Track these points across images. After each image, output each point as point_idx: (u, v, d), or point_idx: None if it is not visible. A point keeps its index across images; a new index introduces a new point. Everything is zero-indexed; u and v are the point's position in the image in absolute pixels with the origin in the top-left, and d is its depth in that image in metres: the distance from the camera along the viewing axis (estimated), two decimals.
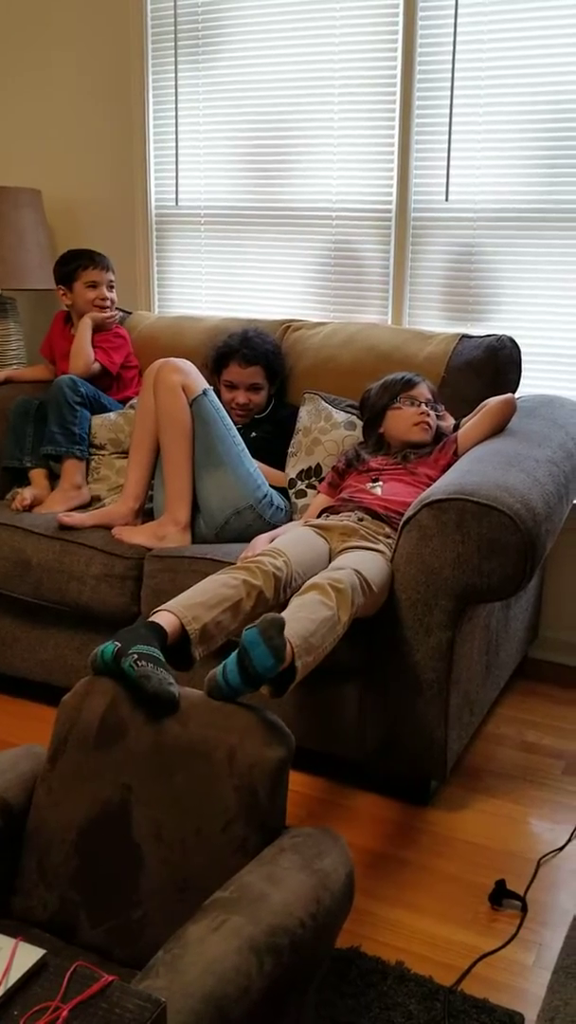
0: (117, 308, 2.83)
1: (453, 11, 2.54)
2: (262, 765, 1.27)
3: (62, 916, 1.32)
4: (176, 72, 2.98)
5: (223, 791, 1.28)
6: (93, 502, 2.51)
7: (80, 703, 1.41)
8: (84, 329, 2.66)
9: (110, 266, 2.76)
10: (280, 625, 1.45)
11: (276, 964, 1.03)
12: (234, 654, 1.42)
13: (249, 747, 1.28)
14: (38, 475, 2.57)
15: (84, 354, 2.64)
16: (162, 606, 1.64)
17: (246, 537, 2.26)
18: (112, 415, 2.59)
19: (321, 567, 1.92)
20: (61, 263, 2.73)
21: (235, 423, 2.47)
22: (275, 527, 2.28)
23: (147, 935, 1.27)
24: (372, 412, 2.30)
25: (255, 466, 2.33)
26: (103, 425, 2.56)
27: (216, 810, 1.28)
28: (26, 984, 0.87)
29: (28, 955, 0.88)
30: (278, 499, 2.35)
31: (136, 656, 1.39)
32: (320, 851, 1.21)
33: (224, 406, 2.44)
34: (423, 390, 2.29)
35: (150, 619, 1.59)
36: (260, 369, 2.53)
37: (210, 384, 2.37)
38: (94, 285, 2.70)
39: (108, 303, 2.73)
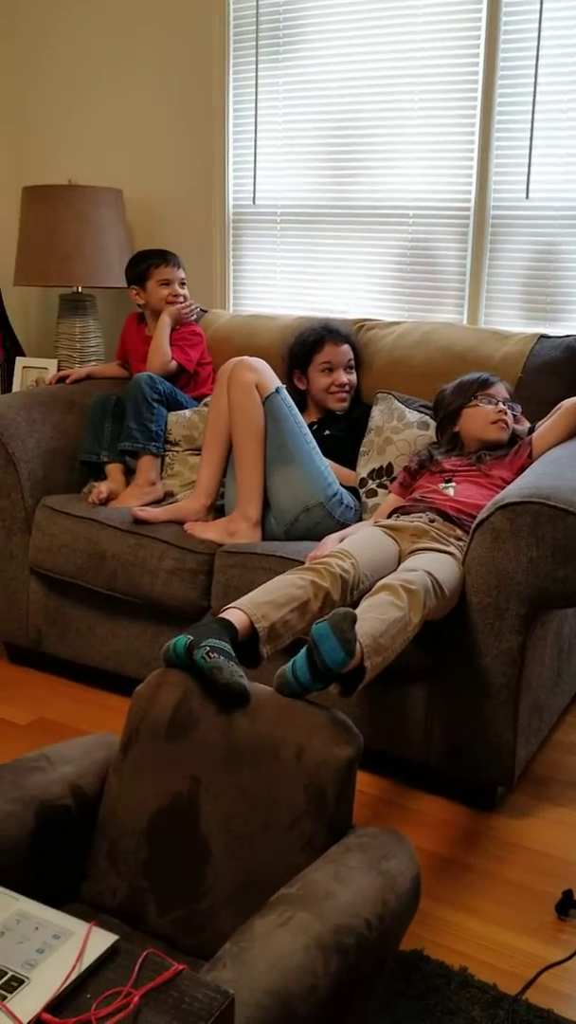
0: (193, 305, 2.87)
1: (539, 4, 2.50)
2: (330, 764, 1.28)
3: (131, 903, 1.35)
4: (256, 71, 3.00)
5: (291, 788, 1.29)
6: (166, 497, 2.55)
7: (153, 694, 1.43)
8: (163, 328, 2.71)
9: (181, 264, 2.81)
10: (352, 619, 1.45)
11: (342, 964, 1.04)
12: (303, 650, 1.43)
13: (318, 745, 1.29)
14: (114, 470, 2.62)
15: (162, 352, 2.68)
16: (231, 604, 1.66)
17: (315, 534, 2.27)
18: (187, 412, 2.62)
19: (390, 569, 1.92)
20: (133, 264, 2.80)
21: (338, 408, 2.54)
22: (345, 526, 2.29)
23: (213, 926, 1.29)
24: (448, 411, 2.28)
25: (326, 464, 2.34)
26: (178, 422, 2.60)
27: (284, 807, 1.29)
28: (98, 969, 0.89)
29: (101, 940, 0.90)
30: (348, 498, 2.35)
31: (208, 648, 1.41)
32: (387, 852, 1.21)
33: (322, 392, 2.51)
34: (500, 389, 2.27)
35: (220, 615, 1.61)
36: (351, 348, 2.57)
37: (284, 383, 2.39)
38: (167, 283, 2.76)
39: (181, 299, 2.78)
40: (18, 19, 3.47)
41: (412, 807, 2.01)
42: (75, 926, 0.93)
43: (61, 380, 2.86)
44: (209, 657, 1.39)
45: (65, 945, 0.90)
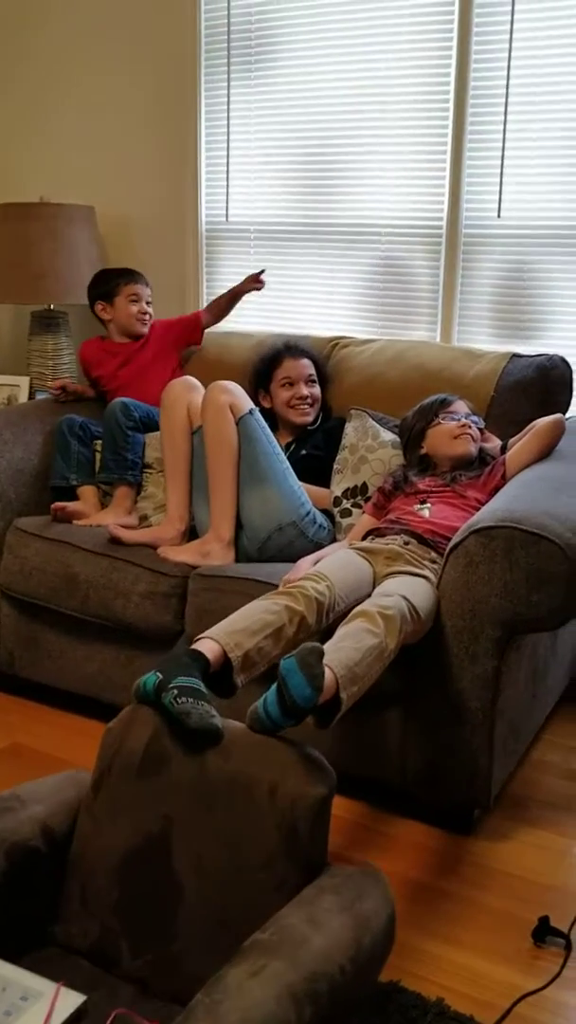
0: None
1: (509, 25, 2.51)
2: (304, 803, 1.27)
3: (103, 945, 1.33)
4: (228, 89, 2.99)
5: (264, 827, 1.27)
6: (140, 523, 2.53)
7: (124, 731, 1.42)
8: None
9: (148, 283, 2.86)
10: (319, 653, 1.44)
11: (315, 1012, 1.02)
12: (274, 686, 1.41)
13: (291, 784, 1.28)
14: (87, 492, 2.60)
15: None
16: (204, 633, 1.64)
17: (288, 553, 2.26)
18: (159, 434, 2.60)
19: (365, 591, 1.91)
20: (100, 281, 2.83)
21: (301, 422, 2.55)
22: (318, 544, 2.28)
23: (186, 968, 1.27)
24: (412, 433, 2.29)
25: (299, 484, 2.34)
26: (150, 444, 2.58)
27: (257, 846, 1.27)
28: None
29: (70, 1000, 0.89)
30: (321, 517, 2.35)
31: (176, 691, 1.39)
32: (361, 893, 1.20)
33: (284, 407, 2.54)
34: (461, 405, 2.29)
35: (192, 647, 1.59)
36: (311, 363, 2.59)
37: (255, 404, 2.39)
38: (135, 299, 2.78)
39: (148, 317, 2.82)
40: None
41: (388, 831, 2.01)
42: (43, 986, 0.91)
43: (62, 388, 2.84)
44: (177, 702, 1.37)
45: (33, 1007, 0.88)
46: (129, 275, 2.82)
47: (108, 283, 2.81)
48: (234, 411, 2.30)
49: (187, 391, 2.42)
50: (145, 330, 2.82)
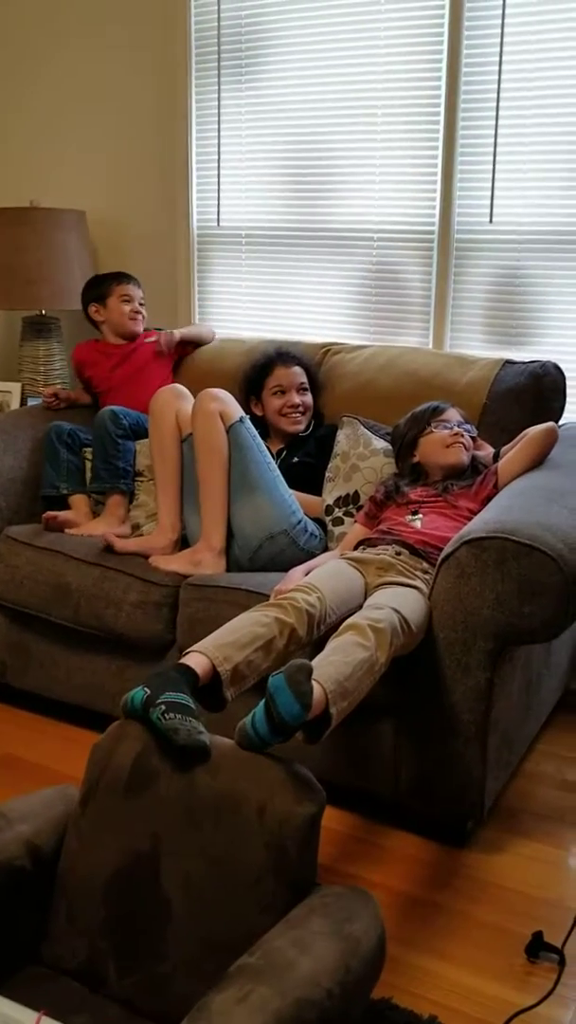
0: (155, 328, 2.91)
1: (499, 29, 2.50)
2: (293, 822, 1.25)
3: (91, 965, 1.31)
4: (219, 93, 2.98)
5: (253, 846, 1.26)
6: (133, 531, 2.52)
7: (112, 748, 1.40)
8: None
9: (140, 285, 2.88)
10: (307, 671, 1.43)
11: None
12: (262, 703, 1.40)
13: (279, 803, 1.27)
14: (78, 501, 2.57)
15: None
16: (193, 647, 1.63)
17: (279, 562, 2.25)
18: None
19: (356, 602, 1.90)
20: (93, 285, 2.86)
21: (293, 430, 2.54)
22: (309, 553, 2.27)
23: (174, 989, 1.26)
24: (404, 441, 2.28)
25: (290, 493, 2.33)
26: (141, 452, 2.57)
27: (245, 865, 1.26)
28: None
29: None
30: (312, 526, 2.33)
31: (164, 707, 1.37)
32: (350, 914, 1.19)
33: (276, 415, 2.53)
34: (453, 413, 2.27)
35: (181, 661, 1.58)
36: (303, 370, 2.57)
37: (246, 412, 2.37)
38: (128, 299, 2.81)
39: (141, 317, 2.84)
40: None
41: (380, 843, 1.99)
42: (23, 1015, 0.89)
43: (55, 395, 2.83)
44: (165, 718, 1.36)
45: None
46: (120, 276, 2.85)
47: (100, 286, 2.84)
48: (224, 419, 2.29)
49: (175, 399, 2.41)
50: (139, 329, 2.83)
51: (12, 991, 1.17)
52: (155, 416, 2.41)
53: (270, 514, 2.27)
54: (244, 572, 2.25)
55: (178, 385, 2.48)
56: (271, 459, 2.34)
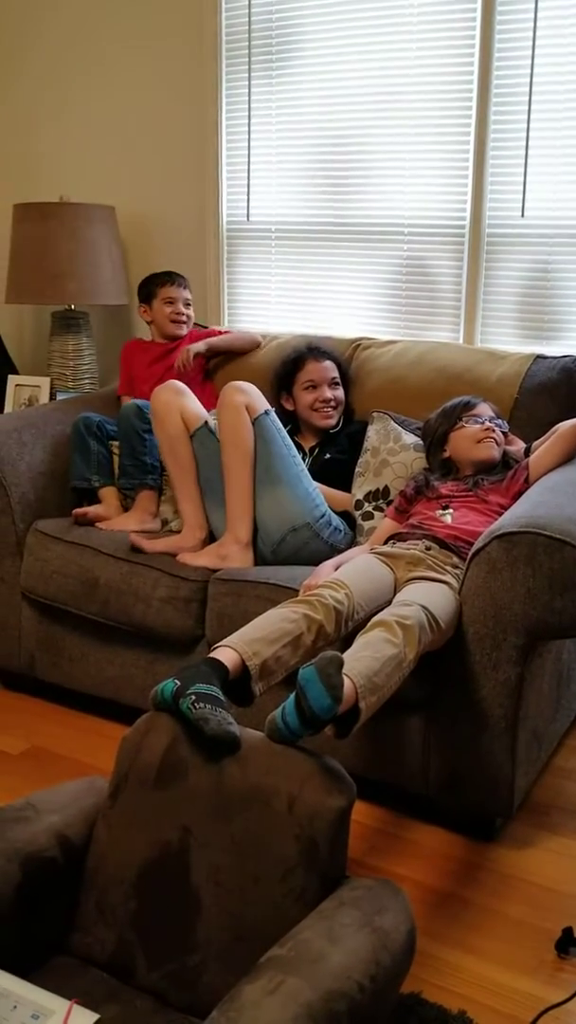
0: (196, 324, 2.94)
1: (532, 23, 2.48)
2: (323, 815, 1.25)
3: (120, 956, 1.32)
4: (249, 88, 2.97)
5: (283, 839, 1.26)
6: (163, 526, 2.53)
7: (141, 740, 1.41)
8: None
9: (187, 285, 2.88)
10: (338, 663, 1.43)
11: None
12: (292, 696, 1.40)
13: (309, 796, 1.26)
14: (108, 494, 2.58)
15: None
16: (222, 642, 1.63)
17: (303, 555, 2.25)
18: None
19: (385, 598, 1.89)
20: (143, 285, 2.88)
21: (325, 425, 2.53)
22: (333, 547, 2.26)
23: (203, 981, 1.26)
24: (435, 436, 2.26)
25: (315, 486, 2.32)
26: None
27: (275, 858, 1.26)
28: None
29: (82, 1019, 0.88)
30: (337, 520, 2.32)
31: (194, 697, 1.38)
32: (381, 907, 1.19)
33: (307, 410, 2.52)
34: (485, 408, 2.26)
35: (210, 655, 1.58)
36: (334, 365, 2.57)
37: (273, 407, 2.37)
38: (171, 301, 2.83)
39: (184, 318, 2.85)
40: (6, 36, 3.45)
41: (409, 838, 1.99)
42: (55, 1004, 0.90)
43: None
44: (195, 707, 1.36)
45: None
46: (166, 278, 2.86)
47: (148, 286, 2.87)
48: (250, 411, 2.29)
49: (176, 396, 2.40)
50: (181, 332, 2.84)
51: (42, 981, 1.18)
52: (158, 417, 2.40)
53: (293, 507, 2.26)
54: (269, 565, 2.25)
55: (176, 381, 2.45)
56: (296, 452, 2.33)
